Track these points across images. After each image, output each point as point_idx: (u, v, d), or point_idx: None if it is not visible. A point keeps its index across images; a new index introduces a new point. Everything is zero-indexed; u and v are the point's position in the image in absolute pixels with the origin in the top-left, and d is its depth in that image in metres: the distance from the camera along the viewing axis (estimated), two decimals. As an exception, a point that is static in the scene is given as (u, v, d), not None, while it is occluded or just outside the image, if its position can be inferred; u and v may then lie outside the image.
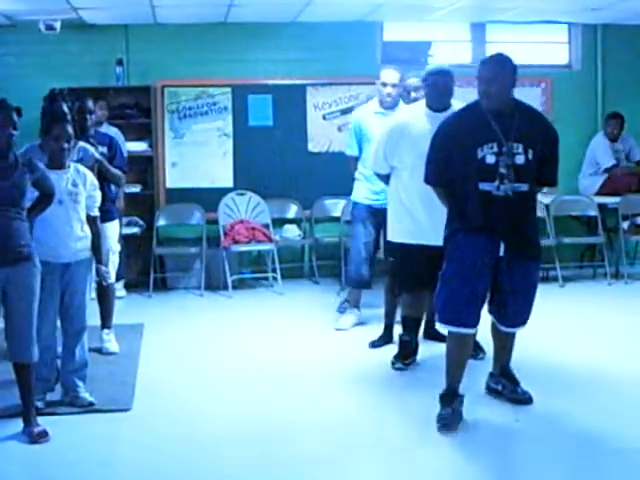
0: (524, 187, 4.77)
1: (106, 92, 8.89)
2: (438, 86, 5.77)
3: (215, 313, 7.87)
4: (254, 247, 8.86)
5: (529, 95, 9.48)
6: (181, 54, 9.06)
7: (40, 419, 4.74)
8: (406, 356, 5.99)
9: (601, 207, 9.09)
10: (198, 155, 9.15)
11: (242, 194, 9.06)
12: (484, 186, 4.73)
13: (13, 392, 4.80)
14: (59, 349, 5.27)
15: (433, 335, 6.32)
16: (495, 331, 5.17)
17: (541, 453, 4.44)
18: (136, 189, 8.92)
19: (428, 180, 5.06)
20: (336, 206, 9.11)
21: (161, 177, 9.13)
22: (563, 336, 6.73)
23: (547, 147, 4.90)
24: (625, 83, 9.62)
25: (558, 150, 4.99)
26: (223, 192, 9.02)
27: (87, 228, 5.15)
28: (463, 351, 4.92)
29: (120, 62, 8.89)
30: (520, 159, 4.75)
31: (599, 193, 9.29)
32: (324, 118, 9.25)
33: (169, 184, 9.14)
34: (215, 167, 9.18)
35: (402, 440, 4.63)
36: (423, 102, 5.93)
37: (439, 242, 5.05)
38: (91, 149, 5.85)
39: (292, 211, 9.25)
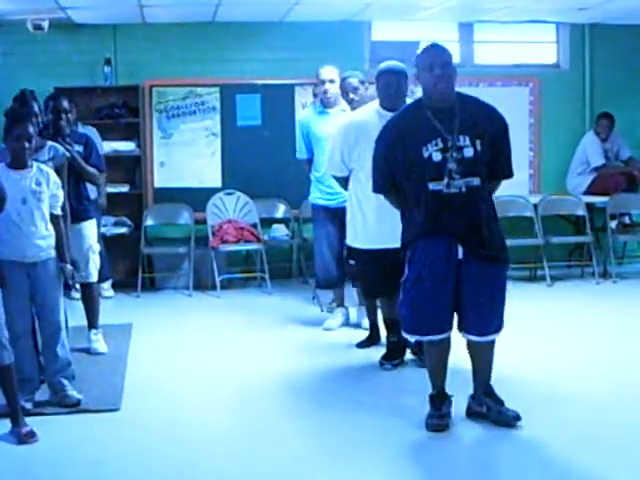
0: (476, 181, 4.55)
1: (94, 92, 8.89)
2: (390, 86, 5.62)
3: (204, 313, 7.86)
4: (242, 247, 8.86)
5: (517, 95, 9.58)
6: (169, 54, 9.05)
7: (28, 419, 4.71)
8: (394, 357, 5.97)
9: (589, 206, 9.10)
10: (186, 155, 9.13)
11: (230, 194, 9.05)
12: (434, 186, 4.51)
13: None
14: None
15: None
16: (471, 347, 4.78)
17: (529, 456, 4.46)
18: (124, 189, 8.93)
19: (377, 190, 4.91)
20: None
21: (149, 177, 9.11)
22: (551, 336, 6.74)
23: (496, 137, 4.64)
24: (613, 82, 9.65)
25: (509, 140, 4.74)
26: (211, 192, 9.00)
27: (51, 227, 5.11)
28: (439, 353, 4.78)
29: (108, 62, 8.88)
30: (469, 152, 4.52)
31: (587, 192, 9.31)
32: (312, 118, 9.24)
33: (157, 184, 9.13)
34: (203, 167, 9.16)
35: (392, 440, 4.62)
36: (377, 102, 5.79)
37: (397, 244, 4.84)
38: (61, 148, 5.81)
39: (280, 211, 9.24)
